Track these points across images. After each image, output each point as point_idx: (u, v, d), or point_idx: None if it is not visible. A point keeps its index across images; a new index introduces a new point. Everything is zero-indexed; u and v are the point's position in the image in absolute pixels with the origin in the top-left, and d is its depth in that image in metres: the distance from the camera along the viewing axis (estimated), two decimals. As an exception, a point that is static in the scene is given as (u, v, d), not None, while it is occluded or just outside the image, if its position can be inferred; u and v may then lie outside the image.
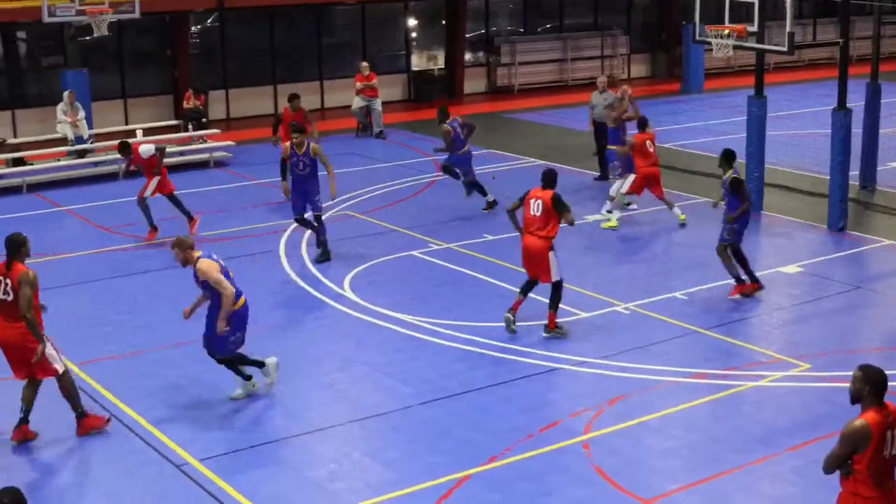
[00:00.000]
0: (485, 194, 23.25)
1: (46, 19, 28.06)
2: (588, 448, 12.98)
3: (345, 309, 17.66)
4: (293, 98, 25.73)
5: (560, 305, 16.35)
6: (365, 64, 31.82)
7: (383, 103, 32.00)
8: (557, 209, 15.97)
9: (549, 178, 16.30)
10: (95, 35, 29.10)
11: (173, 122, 31.70)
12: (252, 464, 12.69)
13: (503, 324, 16.46)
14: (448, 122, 22.98)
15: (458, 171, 23.21)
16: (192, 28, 34.89)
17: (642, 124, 22.46)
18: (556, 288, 16.23)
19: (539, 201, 16.07)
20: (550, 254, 16.06)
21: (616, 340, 16.24)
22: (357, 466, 12.67)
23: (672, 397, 14.38)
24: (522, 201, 16.40)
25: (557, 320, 16.33)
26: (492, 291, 18.37)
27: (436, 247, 20.74)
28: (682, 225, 21.87)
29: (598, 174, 26.11)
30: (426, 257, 20.20)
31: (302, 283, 18.89)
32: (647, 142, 21.95)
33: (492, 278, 18.94)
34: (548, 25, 41.69)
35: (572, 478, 12.32)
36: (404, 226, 22.10)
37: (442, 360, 15.57)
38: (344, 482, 12.32)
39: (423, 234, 21.48)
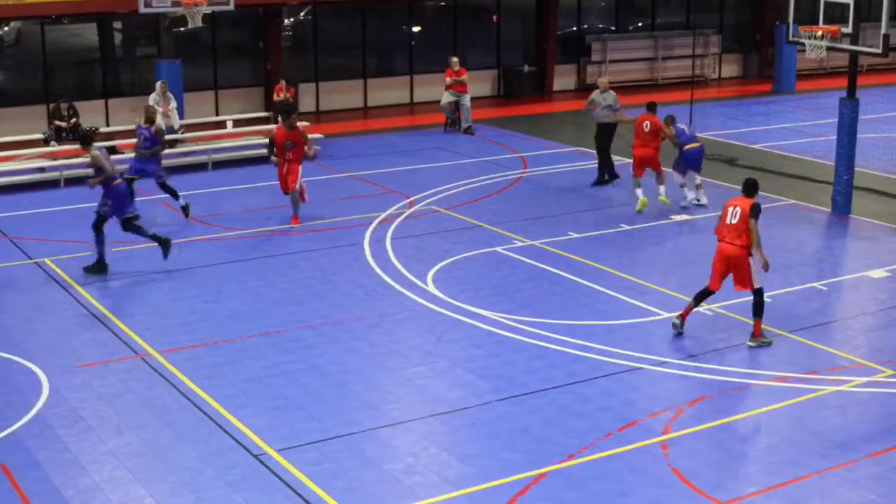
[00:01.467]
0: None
1: (142, 10, 28.46)
2: (666, 449, 12.92)
3: (427, 303, 17.71)
4: (287, 113, 23.13)
5: (762, 312, 16.19)
6: (455, 59, 31.84)
7: (472, 99, 32.01)
8: (752, 215, 15.75)
9: (752, 186, 16.17)
10: (190, 26, 29.46)
11: (263, 114, 31.97)
12: (330, 455, 12.78)
13: (672, 329, 16.50)
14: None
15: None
16: (285, 21, 35.12)
17: (651, 107, 22.97)
18: (758, 294, 16.01)
19: (738, 209, 15.89)
20: (750, 260, 15.87)
21: (698, 342, 16.14)
22: (435, 461, 12.71)
23: (753, 400, 14.28)
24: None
25: (763, 327, 16.17)
26: (574, 289, 18.34)
27: (520, 243, 20.74)
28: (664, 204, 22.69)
29: (596, 179, 25.50)
30: (510, 254, 20.20)
31: (385, 277, 18.97)
32: (646, 122, 22.67)
33: (575, 276, 18.90)
34: (639, 24, 41.44)
35: (649, 478, 12.27)
36: (489, 222, 22.11)
37: (522, 356, 15.58)
38: (421, 476, 12.37)
39: (507, 231, 21.48)
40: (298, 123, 22.60)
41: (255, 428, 13.36)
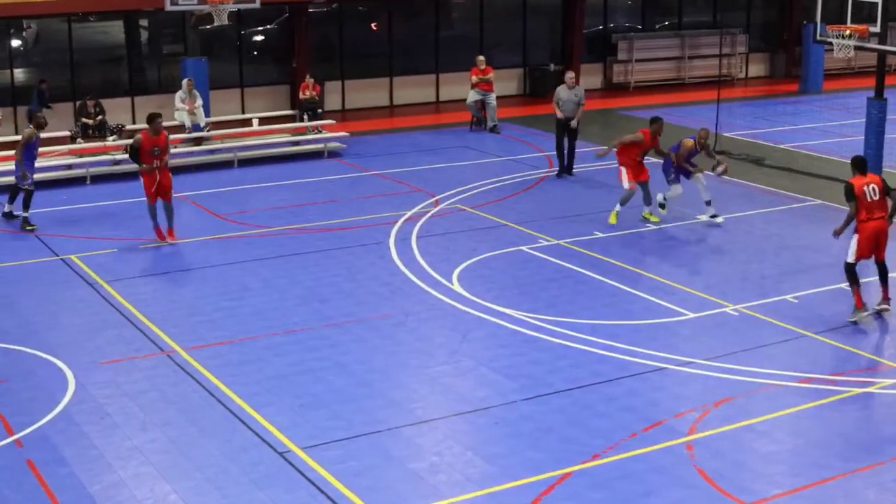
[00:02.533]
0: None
1: (168, 7, 28.53)
2: (691, 449, 12.88)
3: (452, 302, 17.70)
4: (154, 118, 21.07)
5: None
6: (481, 58, 31.81)
7: (498, 97, 31.98)
8: (888, 188, 16.75)
9: (864, 162, 17.10)
10: (216, 24, 29.51)
11: (289, 112, 32.02)
12: (354, 453, 12.77)
13: (863, 314, 16.75)
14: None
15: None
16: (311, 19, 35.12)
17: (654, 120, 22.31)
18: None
19: (873, 185, 16.64)
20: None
21: (724, 342, 16.07)
22: (459, 460, 12.70)
23: (779, 401, 14.20)
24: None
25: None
26: (600, 289, 18.29)
27: (545, 242, 20.70)
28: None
29: (558, 169, 26.18)
30: (535, 253, 20.17)
31: (410, 276, 18.96)
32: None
33: (600, 275, 18.85)
34: (666, 23, 41.34)
35: (674, 479, 12.23)
36: (514, 220, 22.08)
37: (547, 356, 15.54)
38: (445, 475, 12.36)
39: (532, 230, 21.45)
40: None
41: (279, 425, 13.37)
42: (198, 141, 28.60)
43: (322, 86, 32.21)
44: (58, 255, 20.16)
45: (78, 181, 25.78)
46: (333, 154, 28.59)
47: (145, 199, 20.82)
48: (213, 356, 15.54)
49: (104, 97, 29.36)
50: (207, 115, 29.54)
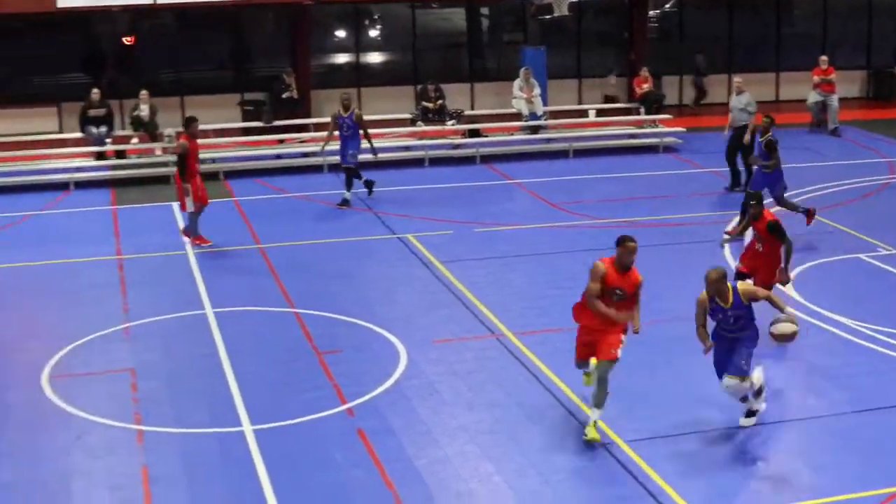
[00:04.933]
0: None
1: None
2: None
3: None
4: (191, 122, 20.74)
5: None
6: (824, 58, 30.99)
7: (840, 99, 31.06)
8: None
9: None
10: (556, 15, 29.73)
11: (624, 106, 31.95)
12: (679, 451, 12.66)
13: None
14: None
15: None
16: (651, 12, 34.96)
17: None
18: None
19: None
20: None
21: None
22: (785, 467, 12.45)
23: None
24: None
25: None
26: (941, 303, 17.56)
27: (884, 252, 19.97)
28: None
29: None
30: (873, 262, 19.50)
31: (742, 276, 18.63)
32: None
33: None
34: None
35: None
36: (852, 227, 21.39)
37: (882, 368, 15.01)
38: (770, 482, 12.16)
39: (871, 237, 20.72)
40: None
41: (605, 417, 13.31)
42: (534, 129, 28.91)
43: (658, 79, 32.01)
44: (395, 234, 20.78)
45: (416, 163, 26.48)
46: (669, 149, 28.41)
47: (192, 207, 20.32)
48: (541, 342, 15.69)
49: (444, 82, 30.02)
50: (545, 104, 29.82)
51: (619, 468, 12.32)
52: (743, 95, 24.48)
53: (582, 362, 13.49)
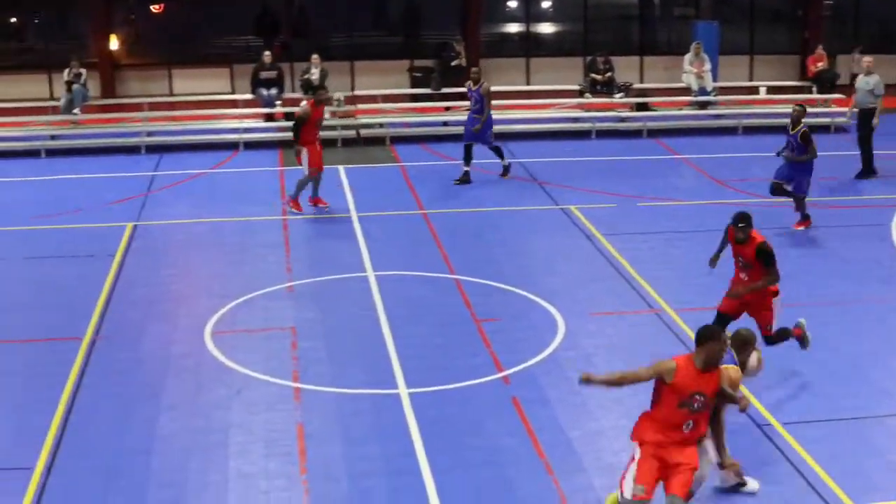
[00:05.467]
0: None
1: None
2: None
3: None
4: (320, 89, 22.30)
5: None
6: None
7: None
8: None
9: None
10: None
11: (797, 83, 31.36)
12: (835, 437, 12.43)
13: None
14: None
15: None
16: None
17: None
18: None
19: None
20: None
21: None
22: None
23: None
24: None
25: None
26: None
27: None
28: None
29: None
30: None
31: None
32: None
33: None
34: None
35: None
36: None
37: None
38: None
39: None
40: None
41: (763, 399, 13.14)
42: (703, 105, 28.59)
43: (834, 59, 31.33)
44: (558, 205, 20.76)
45: (583, 134, 26.40)
46: (840, 129, 27.83)
47: (306, 171, 20.81)
48: (700, 320, 15.19)
49: (613, 54, 29.83)
50: (715, 79, 29.46)
51: (772, 449, 12.13)
52: (872, 77, 23.66)
53: (644, 488, 10.08)
